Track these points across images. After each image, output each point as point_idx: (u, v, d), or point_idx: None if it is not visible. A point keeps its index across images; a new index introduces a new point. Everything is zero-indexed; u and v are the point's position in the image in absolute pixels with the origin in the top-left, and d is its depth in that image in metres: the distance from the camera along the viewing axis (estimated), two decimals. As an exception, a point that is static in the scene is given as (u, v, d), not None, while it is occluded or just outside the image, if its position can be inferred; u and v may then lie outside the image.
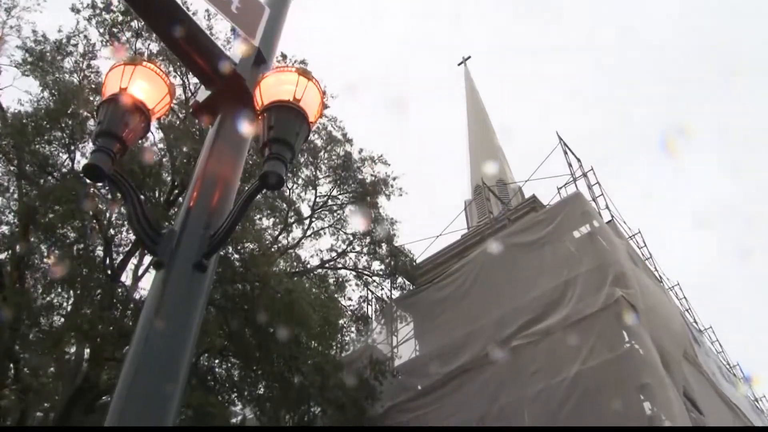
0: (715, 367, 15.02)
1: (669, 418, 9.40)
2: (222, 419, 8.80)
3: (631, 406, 9.57)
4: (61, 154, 11.47)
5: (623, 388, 9.71)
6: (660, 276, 15.29)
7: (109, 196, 11.33)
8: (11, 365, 10.13)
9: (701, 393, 12.33)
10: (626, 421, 9.46)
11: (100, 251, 11.29)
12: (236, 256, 10.58)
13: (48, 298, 11.39)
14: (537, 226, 12.79)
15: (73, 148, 11.36)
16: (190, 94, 11.75)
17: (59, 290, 11.31)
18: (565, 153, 14.36)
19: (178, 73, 11.73)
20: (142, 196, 4.26)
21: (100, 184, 10.70)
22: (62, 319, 11.13)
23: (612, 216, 13.61)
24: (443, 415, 11.69)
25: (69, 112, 10.79)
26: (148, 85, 3.50)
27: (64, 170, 11.37)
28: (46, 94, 11.34)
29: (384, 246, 14.24)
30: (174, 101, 4.53)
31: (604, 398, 9.80)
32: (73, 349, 11.49)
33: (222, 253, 9.16)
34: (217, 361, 12.00)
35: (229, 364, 12.00)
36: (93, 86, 11.53)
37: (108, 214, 11.52)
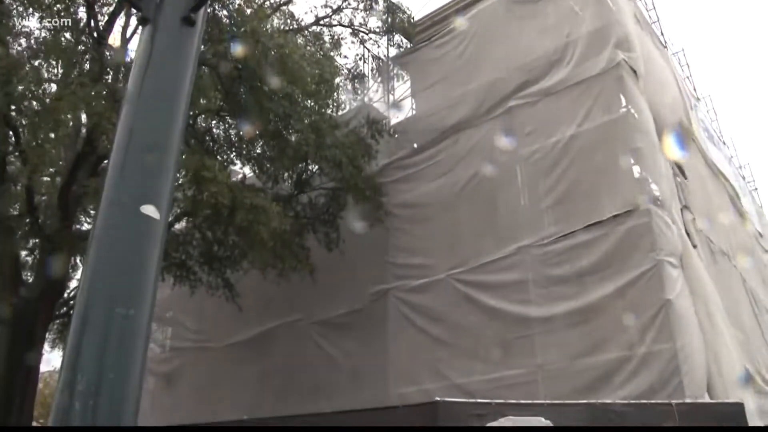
0: (706, 135, 15.22)
1: (654, 181, 9.73)
2: (219, 183, 8.88)
3: (621, 169, 9.85)
4: None
5: (615, 151, 9.90)
6: (664, 41, 14.84)
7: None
8: (11, 132, 10.10)
9: (689, 159, 12.60)
10: (615, 182, 9.80)
11: (83, 13, 10.74)
12: (225, 12, 10.10)
13: (36, 64, 11.07)
14: (540, -17, 12.10)
15: None
16: None
17: (47, 57, 10.97)
18: None
19: None
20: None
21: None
22: (54, 87, 10.92)
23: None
24: (438, 171, 12.04)
25: None
26: None
27: None
28: None
29: (380, 1, 13.61)
30: None
31: (596, 160, 10.06)
32: (69, 116, 11.43)
33: (209, 11, 8.75)
34: (214, 122, 12.03)
35: (227, 125, 12.04)
36: None
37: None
